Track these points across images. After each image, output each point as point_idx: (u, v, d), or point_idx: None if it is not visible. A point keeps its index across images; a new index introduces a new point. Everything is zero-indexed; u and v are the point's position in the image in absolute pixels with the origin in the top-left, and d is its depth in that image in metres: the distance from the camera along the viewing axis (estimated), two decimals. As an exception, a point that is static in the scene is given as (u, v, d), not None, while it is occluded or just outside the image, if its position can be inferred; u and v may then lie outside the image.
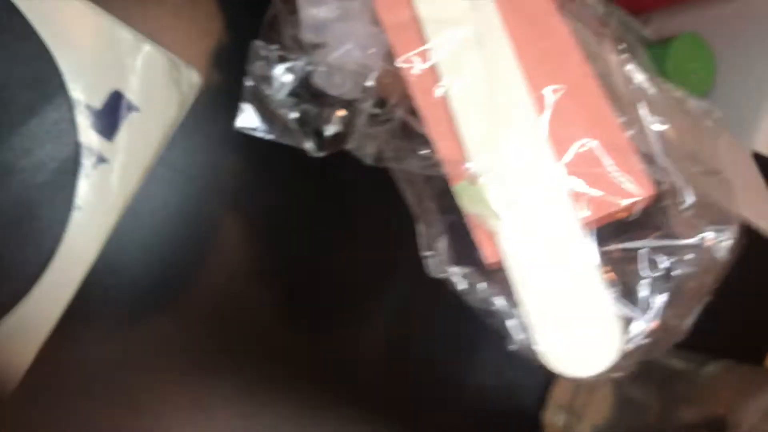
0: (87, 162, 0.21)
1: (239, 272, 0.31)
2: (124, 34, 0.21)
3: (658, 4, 0.34)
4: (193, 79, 0.22)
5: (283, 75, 0.22)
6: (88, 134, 0.21)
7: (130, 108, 0.21)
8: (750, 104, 0.30)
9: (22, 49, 0.20)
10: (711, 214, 0.20)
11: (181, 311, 0.30)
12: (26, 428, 0.28)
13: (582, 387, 0.37)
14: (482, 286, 0.20)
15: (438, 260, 0.21)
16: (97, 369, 0.29)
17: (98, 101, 0.21)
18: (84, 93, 0.21)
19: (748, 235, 0.47)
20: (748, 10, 0.31)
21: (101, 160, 0.21)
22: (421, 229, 0.21)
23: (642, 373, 0.35)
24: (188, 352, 0.30)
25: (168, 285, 0.30)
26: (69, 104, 0.21)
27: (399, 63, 0.20)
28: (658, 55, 0.30)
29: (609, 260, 0.19)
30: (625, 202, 0.19)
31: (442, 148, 0.20)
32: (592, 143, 0.19)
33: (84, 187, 0.21)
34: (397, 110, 0.21)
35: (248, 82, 0.22)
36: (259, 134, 0.22)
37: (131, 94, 0.21)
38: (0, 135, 0.20)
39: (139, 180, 0.22)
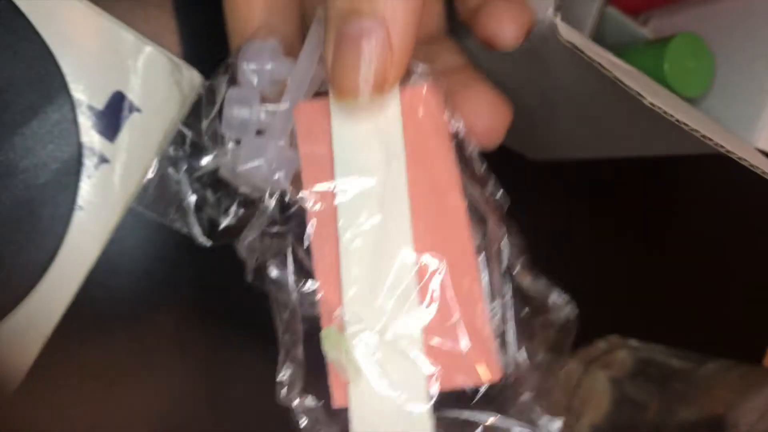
0: (89, 162, 0.21)
1: (242, 272, 0.31)
2: (126, 36, 0.21)
3: (656, 3, 0.34)
4: (194, 80, 0.22)
5: (191, 160, 0.22)
6: (89, 135, 0.21)
7: (132, 109, 0.21)
8: (750, 101, 0.30)
9: (24, 49, 0.20)
10: (546, 406, 0.21)
11: (183, 311, 0.30)
12: (28, 427, 0.28)
13: (580, 386, 0.37)
14: (323, 426, 0.21)
15: (287, 390, 0.21)
16: (99, 368, 0.29)
17: (100, 102, 0.21)
18: (86, 94, 0.21)
19: (748, 235, 0.48)
20: (747, 8, 0.31)
21: (103, 160, 0.21)
22: (281, 356, 0.21)
23: (641, 372, 0.35)
24: (190, 350, 0.30)
25: (170, 284, 0.30)
26: (71, 105, 0.21)
27: (303, 193, 0.21)
28: (655, 55, 0.30)
29: (447, 426, 0.20)
30: (470, 382, 0.20)
31: (322, 287, 0.20)
32: (456, 320, 0.20)
33: (86, 188, 0.21)
34: (289, 236, 0.22)
35: (155, 162, 0.22)
36: (152, 215, 0.23)
37: (133, 95, 0.21)
38: (2, 135, 0.20)
39: (141, 180, 0.22)
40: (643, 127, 0.28)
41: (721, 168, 0.28)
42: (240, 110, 0.21)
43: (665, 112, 0.23)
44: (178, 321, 0.30)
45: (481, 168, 0.21)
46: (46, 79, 0.20)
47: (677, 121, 0.23)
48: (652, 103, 0.23)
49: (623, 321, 0.42)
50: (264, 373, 0.32)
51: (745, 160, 0.25)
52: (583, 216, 0.41)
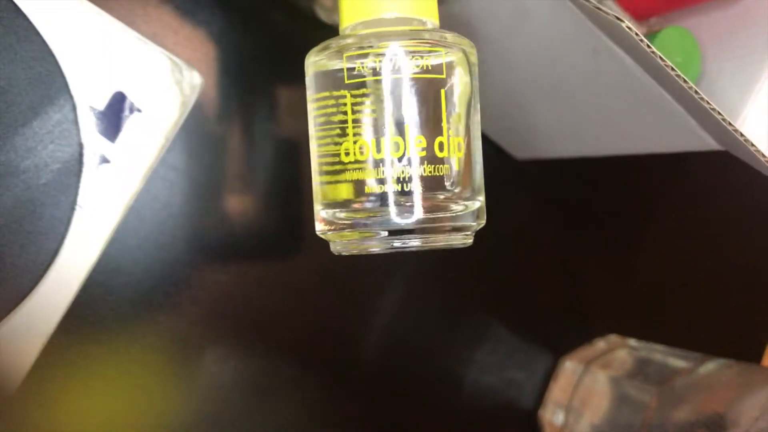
0: (90, 162, 0.21)
1: (240, 271, 0.31)
2: (127, 36, 0.21)
3: (656, 11, 0.34)
4: (194, 80, 0.22)
5: None
6: (90, 135, 0.21)
7: (133, 109, 0.21)
8: (734, 95, 0.30)
9: (26, 50, 0.20)
10: None
11: (182, 310, 0.30)
12: (29, 427, 0.28)
13: (580, 385, 0.37)
14: None
15: None
16: (99, 367, 0.29)
17: (101, 102, 0.21)
18: (87, 94, 0.21)
19: (747, 234, 0.47)
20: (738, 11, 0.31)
21: (104, 160, 0.21)
22: None
23: (640, 372, 0.35)
24: (188, 349, 0.30)
25: (169, 284, 0.30)
26: (72, 105, 0.21)
27: None
28: None
29: None
30: None
31: None
32: None
33: (87, 188, 0.21)
34: None
35: None
36: None
37: (133, 96, 0.21)
38: (3, 135, 0.20)
39: (142, 180, 0.22)
40: (645, 119, 0.28)
41: (719, 167, 0.28)
42: None
43: (703, 99, 0.22)
44: (178, 321, 0.30)
45: None
46: (47, 79, 0.20)
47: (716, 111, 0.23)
48: (692, 85, 0.22)
49: (622, 321, 0.42)
50: (262, 372, 0.32)
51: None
52: (582, 216, 0.41)
